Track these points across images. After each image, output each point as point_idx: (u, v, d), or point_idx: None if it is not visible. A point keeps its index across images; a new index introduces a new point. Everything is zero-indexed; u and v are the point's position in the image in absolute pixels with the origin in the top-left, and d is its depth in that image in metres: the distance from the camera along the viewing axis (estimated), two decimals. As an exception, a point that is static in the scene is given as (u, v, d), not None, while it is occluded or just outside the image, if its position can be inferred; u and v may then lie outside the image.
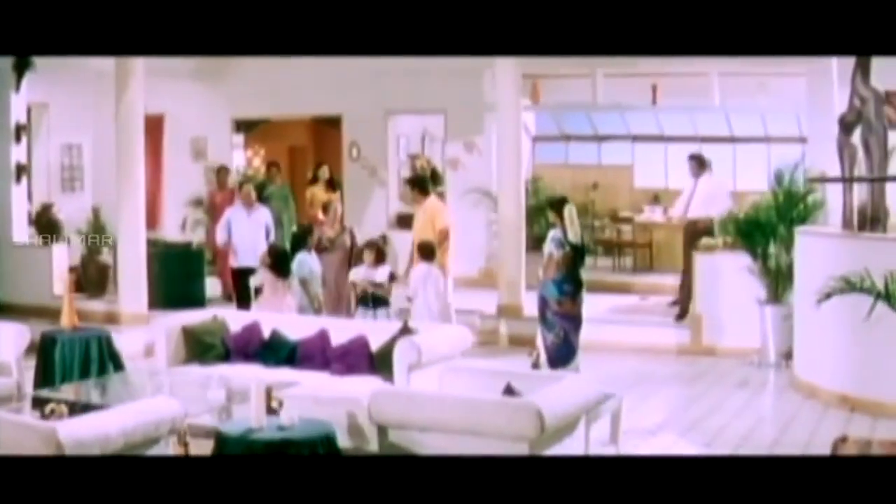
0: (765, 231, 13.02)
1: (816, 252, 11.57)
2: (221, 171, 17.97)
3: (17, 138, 16.54)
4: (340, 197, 17.23)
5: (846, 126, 11.56)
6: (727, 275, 13.45)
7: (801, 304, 11.85)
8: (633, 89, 18.95)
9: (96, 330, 11.60)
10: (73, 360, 10.76)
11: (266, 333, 10.58)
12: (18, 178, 16.62)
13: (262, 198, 15.98)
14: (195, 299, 15.76)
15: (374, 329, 10.39)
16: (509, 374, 8.86)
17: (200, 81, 19.57)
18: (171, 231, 19.40)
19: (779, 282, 12.91)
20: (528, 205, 15.86)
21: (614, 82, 18.48)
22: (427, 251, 12.30)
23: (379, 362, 9.85)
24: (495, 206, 16.34)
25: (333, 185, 17.50)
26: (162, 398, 8.08)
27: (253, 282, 12.67)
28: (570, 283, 11.39)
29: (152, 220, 18.09)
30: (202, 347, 10.57)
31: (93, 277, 16.34)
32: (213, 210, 17.36)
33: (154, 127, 18.11)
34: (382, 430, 7.75)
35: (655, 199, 19.71)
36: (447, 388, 8.83)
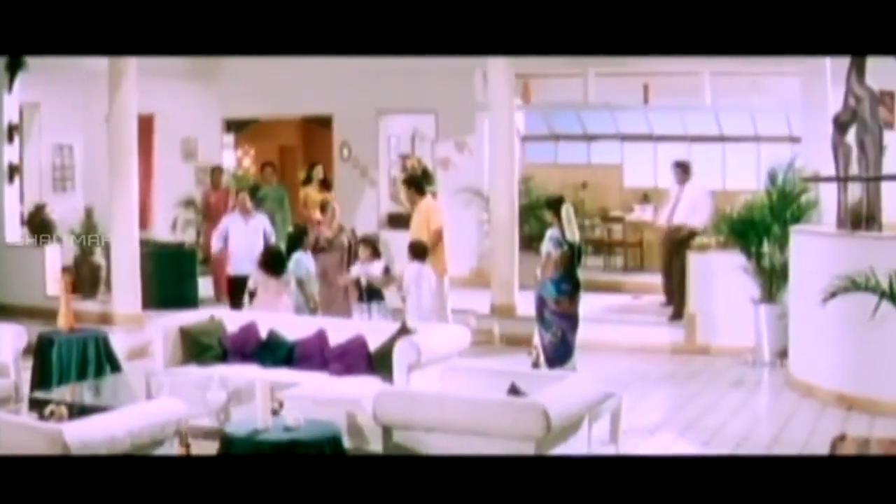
0: (759, 230, 13.06)
1: (812, 251, 11.61)
2: (215, 171, 17.97)
3: (10, 138, 16.48)
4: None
5: (841, 125, 11.60)
6: (721, 274, 13.48)
7: (796, 302, 11.91)
8: (625, 89, 18.97)
9: (93, 331, 11.59)
10: (71, 362, 10.75)
11: (263, 334, 10.56)
12: (11, 179, 16.56)
13: (256, 199, 15.95)
14: (188, 299, 15.76)
15: (372, 329, 10.40)
16: (510, 373, 8.89)
17: (191, 81, 19.53)
18: (161, 231, 19.35)
19: (773, 281, 12.95)
20: (519, 204, 15.86)
21: (606, 82, 18.51)
22: (418, 251, 12.31)
23: (377, 362, 9.85)
24: (486, 206, 16.34)
25: (327, 185, 17.49)
26: (167, 399, 8.08)
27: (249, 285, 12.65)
28: (568, 283, 11.40)
29: (143, 220, 18.02)
30: (199, 348, 10.55)
31: (86, 278, 16.28)
32: (207, 210, 17.38)
33: (145, 127, 18.04)
34: (387, 431, 7.75)
35: (645, 198, 19.73)
36: (448, 388, 8.84)
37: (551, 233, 11.55)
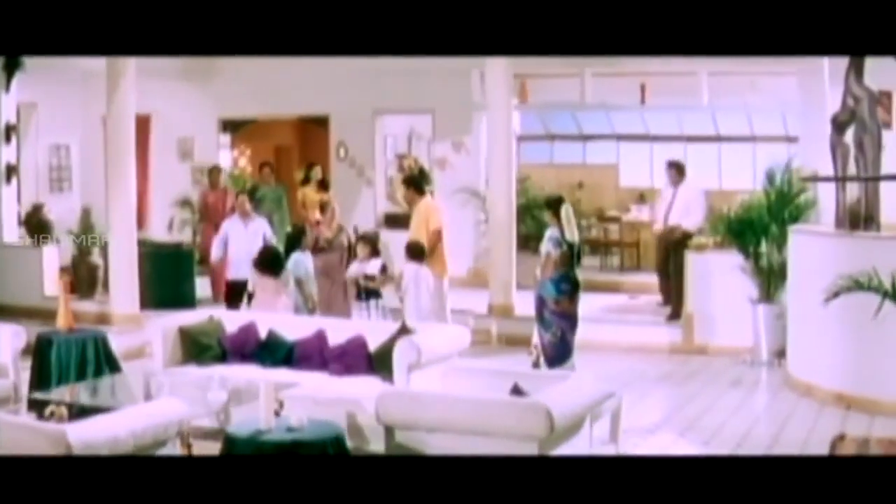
0: (756, 230, 13.08)
1: (810, 251, 11.63)
2: (213, 172, 17.91)
3: (7, 139, 16.45)
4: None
5: (839, 125, 11.61)
6: (719, 274, 13.49)
7: (794, 302, 11.92)
8: (622, 89, 18.95)
9: (92, 331, 11.56)
10: (70, 362, 10.72)
11: (262, 334, 10.55)
12: (8, 179, 16.53)
13: (255, 199, 15.91)
14: (186, 300, 15.77)
15: (372, 329, 10.38)
16: (511, 373, 8.88)
17: (188, 81, 19.53)
18: (157, 231, 19.34)
19: (771, 281, 12.96)
20: (516, 204, 15.86)
21: (602, 82, 18.52)
22: (415, 252, 12.27)
23: (377, 362, 9.84)
24: (483, 206, 16.33)
25: (326, 185, 17.47)
26: (169, 400, 8.06)
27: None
28: (567, 283, 11.40)
29: (139, 220, 17.99)
30: (199, 348, 10.54)
31: (84, 278, 16.27)
32: (205, 210, 17.33)
33: (141, 127, 18.00)
34: (389, 431, 7.74)
35: (641, 198, 19.76)
36: (450, 388, 8.83)
37: (551, 233, 11.55)
